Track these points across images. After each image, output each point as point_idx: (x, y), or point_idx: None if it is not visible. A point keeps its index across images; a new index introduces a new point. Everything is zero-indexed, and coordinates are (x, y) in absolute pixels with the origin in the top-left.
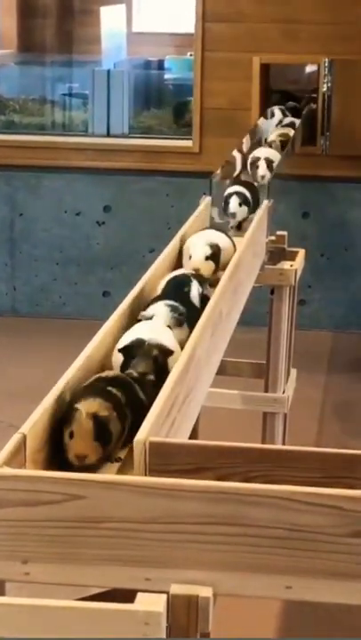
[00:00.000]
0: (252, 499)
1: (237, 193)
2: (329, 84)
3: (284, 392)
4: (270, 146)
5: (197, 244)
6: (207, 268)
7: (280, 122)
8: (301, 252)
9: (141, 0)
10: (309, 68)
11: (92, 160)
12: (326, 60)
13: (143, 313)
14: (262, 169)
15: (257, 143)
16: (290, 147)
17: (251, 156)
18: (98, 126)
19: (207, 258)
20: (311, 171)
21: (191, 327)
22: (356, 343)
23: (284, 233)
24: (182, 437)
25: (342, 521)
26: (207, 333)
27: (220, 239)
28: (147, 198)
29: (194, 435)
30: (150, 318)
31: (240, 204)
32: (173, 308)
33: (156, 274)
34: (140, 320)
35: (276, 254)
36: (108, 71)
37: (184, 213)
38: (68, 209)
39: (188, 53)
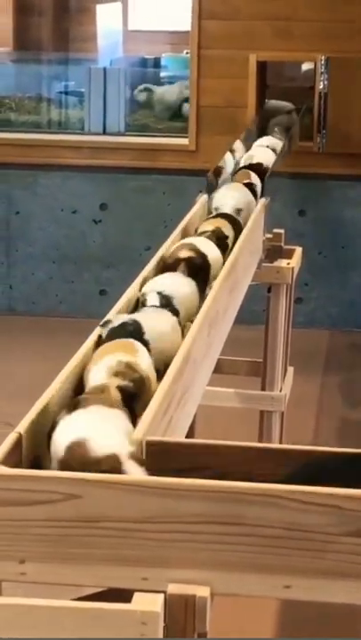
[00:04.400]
0: (250, 498)
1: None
2: (325, 82)
3: (281, 390)
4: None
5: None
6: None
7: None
8: (298, 250)
9: None
10: (306, 66)
11: (89, 158)
12: (323, 57)
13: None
14: None
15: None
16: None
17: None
18: (94, 124)
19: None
20: (308, 168)
21: None
22: (353, 341)
23: (281, 231)
24: (179, 436)
25: (340, 520)
26: (204, 332)
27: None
28: (143, 196)
29: (191, 433)
30: None
31: None
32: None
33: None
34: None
35: (273, 252)
36: (105, 69)
37: (180, 211)
38: (65, 207)
39: (185, 51)
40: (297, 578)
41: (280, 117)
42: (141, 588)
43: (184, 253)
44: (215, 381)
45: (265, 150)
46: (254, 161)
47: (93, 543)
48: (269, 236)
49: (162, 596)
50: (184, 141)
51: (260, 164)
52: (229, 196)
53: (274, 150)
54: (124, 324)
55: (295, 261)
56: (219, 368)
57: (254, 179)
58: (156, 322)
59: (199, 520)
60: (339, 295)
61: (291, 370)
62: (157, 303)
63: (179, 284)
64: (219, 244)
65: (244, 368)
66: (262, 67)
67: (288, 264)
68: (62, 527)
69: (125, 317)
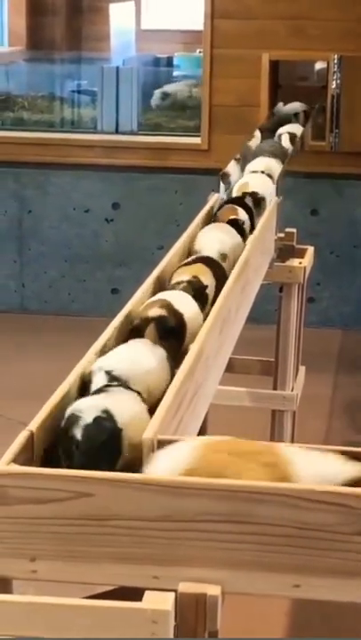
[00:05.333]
0: (260, 496)
1: None
2: (338, 81)
3: (292, 390)
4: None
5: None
6: None
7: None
8: (310, 250)
9: None
10: (319, 65)
11: (101, 157)
12: (335, 56)
13: None
14: None
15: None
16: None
17: None
18: (106, 123)
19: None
20: (320, 168)
21: None
22: None
23: (293, 230)
24: (190, 435)
25: (351, 519)
26: (215, 331)
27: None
28: (155, 195)
29: (202, 432)
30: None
31: None
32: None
33: (165, 271)
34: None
35: (285, 252)
36: (117, 68)
37: (193, 210)
38: (77, 206)
39: (197, 50)
40: (307, 577)
41: (265, 144)
42: (152, 587)
43: (155, 312)
44: (227, 380)
45: (260, 177)
46: (249, 189)
47: (104, 541)
48: (281, 235)
49: (173, 594)
50: (196, 140)
51: (254, 193)
52: (214, 239)
53: (270, 176)
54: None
55: (307, 261)
56: (230, 367)
57: (241, 215)
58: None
59: (210, 519)
60: (351, 294)
61: (302, 369)
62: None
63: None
64: (196, 297)
65: (255, 367)
66: (275, 66)
67: (300, 263)
68: (73, 525)
69: (97, 407)
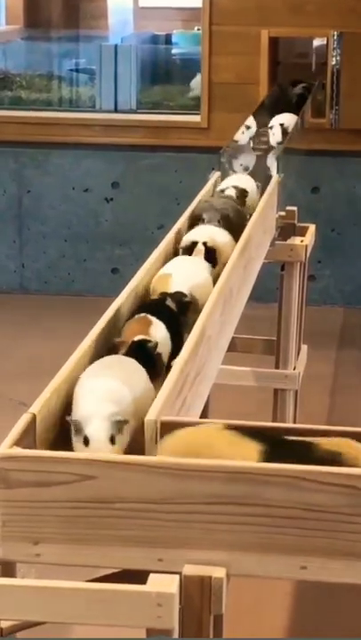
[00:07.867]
0: (265, 478)
1: None
2: (338, 58)
3: (295, 368)
4: None
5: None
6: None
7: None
8: (312, 228)
9: None
10: (318, 42)
11: (100, 136)
12: (335, 33)
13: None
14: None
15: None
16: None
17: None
18: (105, 102)
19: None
20: (320, 145)
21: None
22: None
23: (294, 208)
24: (194, 416)
25: (357, 500)
26: (218, 310)
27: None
28: (155, 174)
29: (204, 412)
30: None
31: None
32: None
33: (165, 250)
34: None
35: (287, 230)
36: (116, 46)
37: (193, 189)
38: (76, 185)
39: (196, 27)
40: (313, 558)
41: (217, 201)
42: (157, 570)
43: None
44: (229, 360)
45: (189, 263)
46: (171, 287)
47: (108, 524)
48: (282, 213)
49: (177, 577)
50: (196, 118)
51: (178, 295)
52: (100, 392)
53: (211, 255)
54: None
55: (308, 239)
56: (233, 346)
57: (155, 332)
58: None
59: (215, 501)
60: (352, 272)
61: (304, 348)
62: None
63: None
64: None
65: (257, 346)
66: (274, 43)
67: (301, 242)
68: (77, 508)
69: None
